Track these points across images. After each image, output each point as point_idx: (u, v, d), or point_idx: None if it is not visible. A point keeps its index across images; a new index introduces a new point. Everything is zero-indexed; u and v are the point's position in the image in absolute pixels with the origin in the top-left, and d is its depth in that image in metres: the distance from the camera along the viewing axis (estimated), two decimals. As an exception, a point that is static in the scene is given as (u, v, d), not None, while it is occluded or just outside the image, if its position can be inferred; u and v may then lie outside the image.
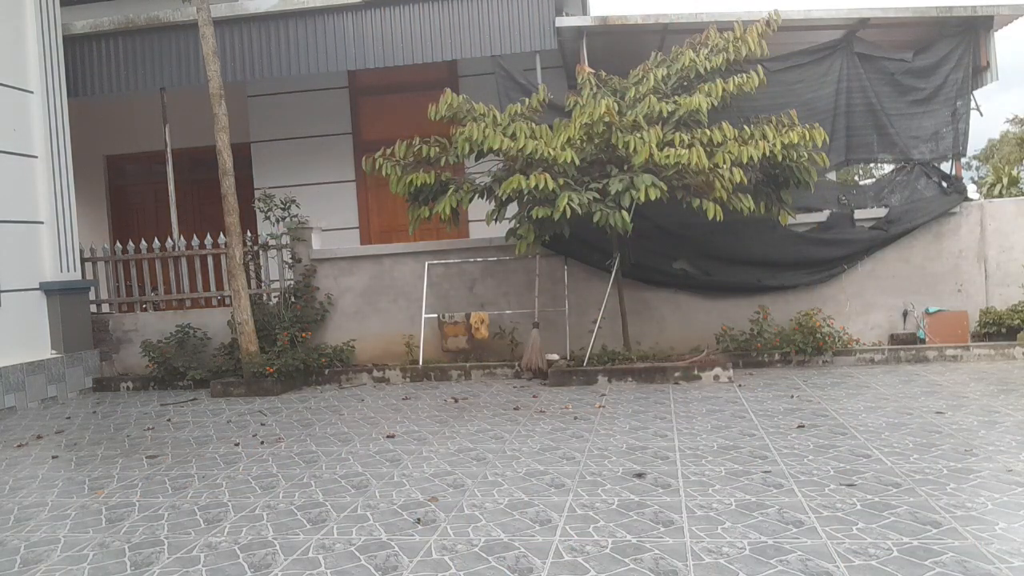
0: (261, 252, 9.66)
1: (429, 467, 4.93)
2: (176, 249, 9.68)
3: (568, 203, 6.76)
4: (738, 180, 6.89)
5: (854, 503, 3.81)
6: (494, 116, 7.62)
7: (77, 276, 9.26)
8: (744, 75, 7.63)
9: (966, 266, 8.65)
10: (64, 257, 9.07)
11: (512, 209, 7.85)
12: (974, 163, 33.46)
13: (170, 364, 8.87)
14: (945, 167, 8.87)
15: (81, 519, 4.26)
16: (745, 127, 7.58)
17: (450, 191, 7.56)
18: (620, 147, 7.11)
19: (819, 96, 8.77)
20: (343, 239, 10.96)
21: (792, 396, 6.61)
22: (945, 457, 4.53)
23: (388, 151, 7.95)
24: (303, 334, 8.85)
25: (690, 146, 6.91)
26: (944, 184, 8.74)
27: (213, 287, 9.64)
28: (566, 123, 7.50)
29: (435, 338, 8.95)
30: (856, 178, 21.32)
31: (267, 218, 9.43)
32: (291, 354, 8.43)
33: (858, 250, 8.65)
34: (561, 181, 6.95)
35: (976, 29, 8.66)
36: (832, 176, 9.76)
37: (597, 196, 6.97)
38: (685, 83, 8.01)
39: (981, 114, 8.95)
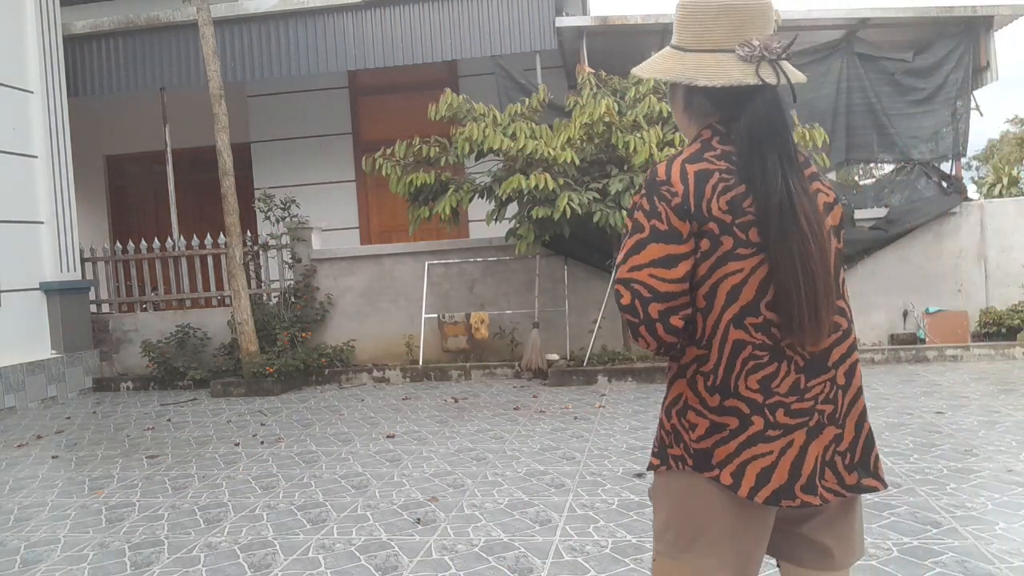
0: (261, 252, 9.66)
1: (429, 467, 4.93)
2: (176, 249, 9.68)
3: (568, 203, 6.76)
4: (738, 180, 6.89)
5: (854, 503, 3.81)
6: (494, 116, 7.62)
7: (77, 276, 9.26)
8: (744, 75, 7.62)
9: (966, 266, 8.65)
10: (64, 257, 9.07)
11: (512, 209, 7.85)
12: (974, 163, 33.46)
13: (170, 364, 8.86)
14: (945, 167, 8.87)
15: (81, 519, 4.26)
16: (745, 127, 7.57)
17: (450, 191, 7.56)
18: (620, 147, 7.11)
19: (819, 96, 8.77)
20: (343, 239, 10.95)
21: (792, 396, 6.60)
22: (945, 457, 4.53)
23: (388, 151, 7.95)
24: (303, 334, 8.85)
25: (690, 146, 6.91)
26: (944, 184, 8.75)
27: (213, 287, 9.64)
28: (566, 123, 7.50)
29: (435, 338, 8.95)
30: (856, 178, 21.31)
31: (267, 218, 9.43)
32: (291, 354, 8.43)
33: (858, 250, 8.65)
34: (561, 181, 6.96)
35: (976, 29, 8.66)
36: (832, 176, 9.76)
37: (597, 196, 6.97)
38: (685, 83, 8.00)
39: (981, 114, 8.96)
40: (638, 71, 1.65)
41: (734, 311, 1.45)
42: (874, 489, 1.52)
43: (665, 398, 1.57)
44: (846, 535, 1.54)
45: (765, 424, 1.44)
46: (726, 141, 1.51)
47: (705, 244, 1.45)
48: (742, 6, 1.51)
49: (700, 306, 1.48)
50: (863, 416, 1.53)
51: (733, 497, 1.45)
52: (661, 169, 1.50)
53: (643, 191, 1.51)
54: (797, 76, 1.51)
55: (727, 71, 1.48)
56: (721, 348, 1.46)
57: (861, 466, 1.51)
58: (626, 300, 1.48)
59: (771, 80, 1.47)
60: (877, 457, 1.54)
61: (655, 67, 1.58)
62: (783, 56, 1.50)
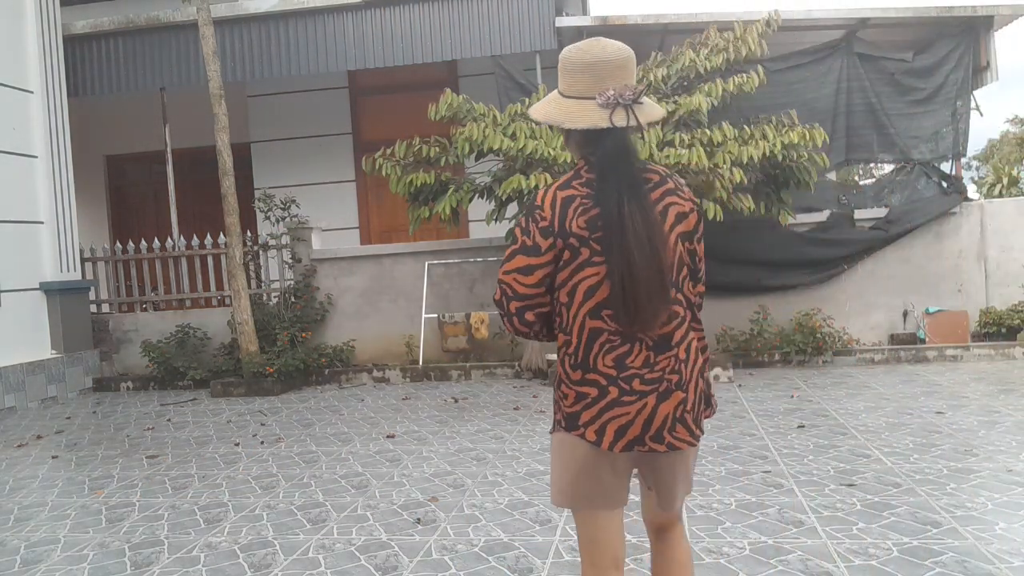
0: (261, 252, 9.65)
1: (429, 467, 4.93)
2: (176, 249, 9.68)
3: (568, 203, 6.75)
4: (738, 180, 6.88)
5: (854, 503, 3.81)
6: (494, 116, 7.62)
7: (77, 276, 9.26)
8: (744, 75, 7.62)
9: (966, 266, 8.66)
10: (64, 257, 9.07)
11: (512, 209, 7.85)
12: (974, 163, 33.45)
13: (170, 364, 8.86)
14: (945, 167, 8.87)
15: (81, 519, 4.26)
16: (745, 127, 7.57)
17: (450, 191, 7.56)
18: (620, 147, 7.10)
19: (819, 96, 8.76)
20: (343, 239, 10.95)
21: (792, 396, 6.61)
22: (945, 457, 4.53)
23: (388, 151, 7.94)
24: (303, 334, 8.85)
25: (690, 146, 6.91)
26: (944, 184, 8.75)
27: (213, 287, 9.64)
28: (566, 123, 7.49)
29: (435, 338, 8.95)
30: (856, 178, 21.30)
31: (267, 218, 9.43)
32: (291, 354, 8.43)
33: (858, 250, 8.65)
34: (561, 181, 6.95)
35: (976, 29, 8.66)
36: (832, 176, 9.76)
37: (597, 196, 6.96)
38: (685, 83, 8.01)
39: (981, 114, 8.96)
40: (530, 111, 2.07)
41: (590, 305, 1.85)
42: (698, 437, 1.98)
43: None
44: (681, 478, 2.03)
45: (620, 392, 1.86)
46: (592, 170, 1.90)
47: (567, 255, 1.85)
48: (602, 63, 1.89)
49: (564, 301, 1.90)
50: (700, 384, 1.97)
51: (596, 448, 1.88)
52: (540, 195, 1.93)
53: (526, 211, 1.94)
54: (649, 115, 1.93)
55: (588, 116, 1.89)
56: (580, 334, 1.88)
57: (699, 423, 1.97)
58: (497, 296, 1.96)
59: (621, 123, 1.87)
60: (700, 423, 1.99)
61: (538, 109, 2.00)
62: (637, 100, 1.88)
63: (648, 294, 1.80)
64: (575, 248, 1.84)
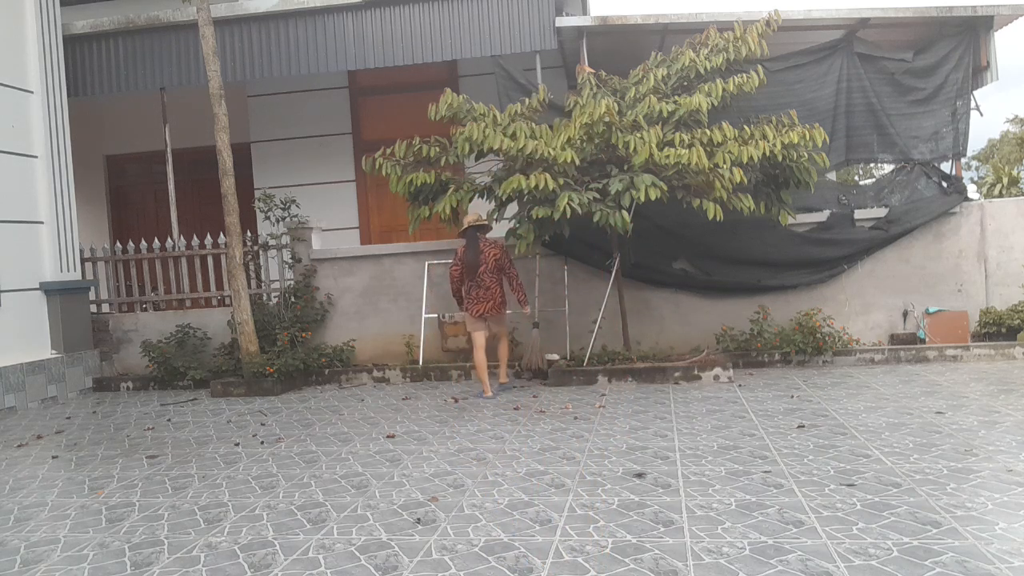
0: (261, 252, 9.65)
1: (429, 467, 4.93)
2: (176, 249, 9.68)
3: (568, 203, 6.75)
4: (738, 180, 6.89)
5: (854, 503, 3.81)
6: (494, 116, 7.62)
7: (77, 276, 9.26)
8: (744, 75, 7.62)
9: (966, 266, 8.65)
10: (64, 257, 9.07)
11: (512, 209, 7.85)
12: (974, 163, 33.45)
13: (170, 364, 8.86)
14: (945, 167, 8.86)
15: (81, 519, 4.26)
16: (745, 127, 7.57)
17: (450, 191, 7.56)
18: (620, 147, 7.10)
19: (819, 96, 8.76)
20: (343, 239, 10.95)
21: (792, 396, 6.61)
22: (945, 457, 4.53)
23: (388, 151, 7.95)
24: (303, 334, 8.85)
25: (690, 146, 6.91)
26: (944, 184, 8.74)
27: (213, 287, 9.64)
28: (566, 123, 7.50)
29: (435, 338, 8.95)
30: (856, 178, 21.32)
31: (267, 218, 9.43)
32: (291, 354, 8.43)
33: (858, 250, 8.65)
34: (561, 181, 6.95)
35: (976, 29, 8.66)
36: (832, 176, 9.75)
37: (597, 196, 6.96)
38: (685, 83, 8.00)
39: (981, 114, 8.94)
40: (464, 220, 7.62)
41: (465, 277, 7.45)
42: (499, 311, 7.50)
43: None
44: (498, 321, 7.59)
45: (472, 301, 7.38)
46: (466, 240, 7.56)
47: (463, 265, 7.45)
48: (465, 216, 7.56)
49: (463, 279, 7.51)
50: (497, 301, 7.39)
51: (471, 315, 7.44)
52: (459, 248, 7.55)
53: (456, 253, 7.62)
54: (477, 222, 7.44)
55: (464, 226, 7.48)
56: (464, 286, 7.46)
57: (497, 309, 7.44)
58: (451, 279, 7.68)
59: (468, 224, 7.42)
60: (500, 310, 7.47)
61: (463, 222, 7.57)
62: (473, 223, 7.40)
63: (471, 273, 7.32)
64: (463, 264, 7.44)
